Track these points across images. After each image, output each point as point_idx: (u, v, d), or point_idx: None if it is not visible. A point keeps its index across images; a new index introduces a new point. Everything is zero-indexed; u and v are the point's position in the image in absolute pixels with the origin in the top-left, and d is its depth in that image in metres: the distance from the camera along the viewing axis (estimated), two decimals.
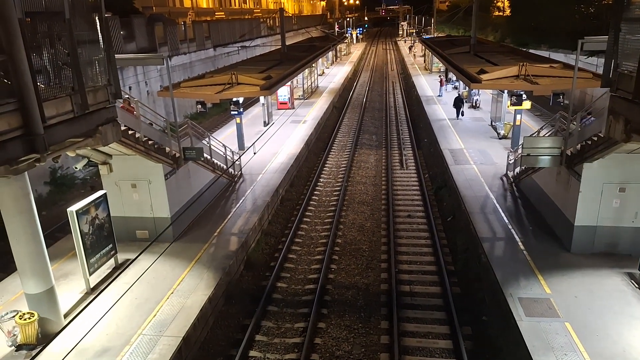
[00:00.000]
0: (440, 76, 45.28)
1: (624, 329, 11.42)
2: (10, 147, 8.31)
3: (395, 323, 13.25)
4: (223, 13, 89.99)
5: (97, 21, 10.31)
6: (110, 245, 14.63)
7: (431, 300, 14.60)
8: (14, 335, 11.26)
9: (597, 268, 13.99)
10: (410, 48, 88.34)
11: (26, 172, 10.46)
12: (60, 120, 9.42)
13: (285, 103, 37.94)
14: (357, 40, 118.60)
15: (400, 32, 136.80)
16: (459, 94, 36.17)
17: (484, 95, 36.65)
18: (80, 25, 9.82)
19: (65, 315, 12.40)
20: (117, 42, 31.29)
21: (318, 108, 38.71)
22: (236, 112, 26.47)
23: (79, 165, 15.20)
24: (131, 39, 35.96)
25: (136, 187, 16.11)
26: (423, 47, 64.49)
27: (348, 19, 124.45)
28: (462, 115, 33.54)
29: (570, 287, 13.14)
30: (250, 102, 39.38)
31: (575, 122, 15.15)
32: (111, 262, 14.85)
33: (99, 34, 10.39)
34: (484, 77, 23.71)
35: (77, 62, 9.65)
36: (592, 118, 15.67)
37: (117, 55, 11.91)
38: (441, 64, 45.22)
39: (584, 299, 12.57)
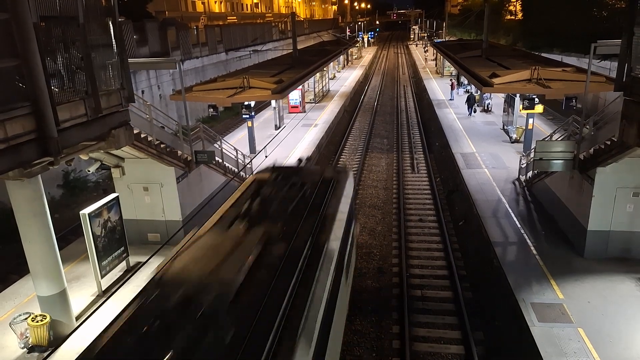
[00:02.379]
0: (451, 80, 45.14)
1: (638, 334, 11.28)
2: (25, 150, 8.38)
3: (406, 327, 13.19)
4: (235, 17, 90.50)
5: (111, 25, 10.40)
6: (122, 248, 14.72)
7: (443, 305, 14.52)
8: (26, 337, 11.35)
9: (610, 273, 13.85)
10: (426, 51, 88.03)
11: (39, 175, 10.57)
12: (74, 124, 9.48)
13: (297, 107, 38.03)
14: (369, 44, 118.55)
15: (412, 36, 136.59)
16: (470, 92, 37.19)
17: (496, 99, 36.53)
18: (94, 30, 9.90)
19: (77, 318, 12.48)
20: (130, 46, 31.53)
21: (329, 112, 38.72)
22: (247, 116, 26.58)
23: (92, 168, 15.33)
24: (144, 43, 36.23)
25: (148, 190, 16.21)
26: (434, 51, 64.38)
27: (359, 23, 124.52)
28: (475, 112, 35.22)
29: (583, 292, 13.01)
30: (261, 106, 39.47)
31: (588, 126, 15.03)
32: (123, 265, 14.93)
33: (113, 38, 10.48)
34: (495, 80, 23.59)
35: (91, 66, 9.73)
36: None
37: (130, 59, 12.01)
38: (452, 68, 45.08)
39: (597, 304, 12.44)
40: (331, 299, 8.31)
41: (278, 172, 11.89)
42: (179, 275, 7.35)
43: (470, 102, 35.11)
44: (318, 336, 6.90)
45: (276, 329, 6.10)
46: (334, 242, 9.17)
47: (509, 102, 28.61)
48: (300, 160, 13.85)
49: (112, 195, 14.40)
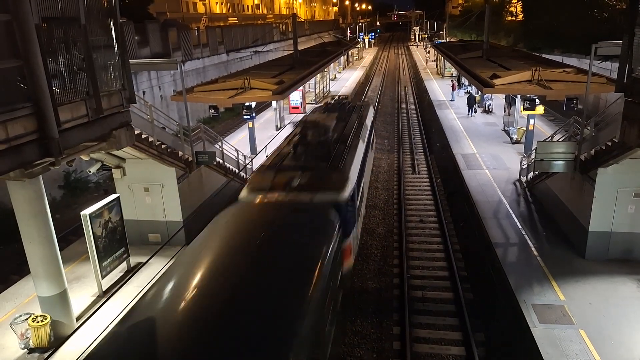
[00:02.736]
0: (452, 81, 45.18)
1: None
2: (26, 151, 8.38)
3: (407, 329, 13.18)
4: (236, 18, 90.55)
5: (112, 26, 10.40)
6: (123, 249, 14.72)
7: (444, 306, 14.50)
8: (27, 337, 11.35)
9: (611, 274, 13.83)
10: (428, 52, 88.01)
11: (40, 176, 10.57)
12: (75, 125, 9.48)
13: (297, 107, 38.04)
14: (369, 45, 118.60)
15: (412, 37, 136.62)
16: (470, 92, 37.43)
17: (497, 100, 36.54)
18: (95, 31, 9.90)
19: (78, 318, 12.49)
20: (132, 47, 31.57)
21: None
22: (248, 117, 26.59)
23: (93, 169, 15.35)
24: (145, 44, 36.28)
25: (149, 191, 16.21)
26: (435, 52, 64.42)
27: (360, 24, 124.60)
28: (475, 112, 35.66)
29: (585, 293, 13.00)
30: (262, 107, 39.49)
31: (589, 127, 15.02)
32: (123, 266, 14.94)
33: (114, 39, 10.48)
34: (496, 81, 23.58)
35: (92, 67, 9.73)
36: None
37: (131, 60, 12.01)
38: (453, 69, 45.10)
39: (599, 306, 12.43)
40: (367, 145, 18.50)
41: (337, 98, 25.06)
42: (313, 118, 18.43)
43: (470, 102, 35.32)
44: (364, 153, 16.56)
45: (351, 139, 16.08)
46: (368, 123, 20.17)
47: (510, 103, 28.62)
48: (346, 96, 25.03)
49: (113, 196, 14.41)
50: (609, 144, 13.11)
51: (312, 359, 7.60)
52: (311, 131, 15.92)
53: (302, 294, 7.93)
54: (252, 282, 7.95)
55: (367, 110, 21.99)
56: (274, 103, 32.15)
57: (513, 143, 27.44)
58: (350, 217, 12.24)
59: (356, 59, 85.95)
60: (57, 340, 11.52)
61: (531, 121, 24.70)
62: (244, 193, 12.41)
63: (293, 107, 37.97)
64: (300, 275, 8.38)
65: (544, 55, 40.45)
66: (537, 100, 23.51)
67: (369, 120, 20.89)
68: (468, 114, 35.48)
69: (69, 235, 19.35)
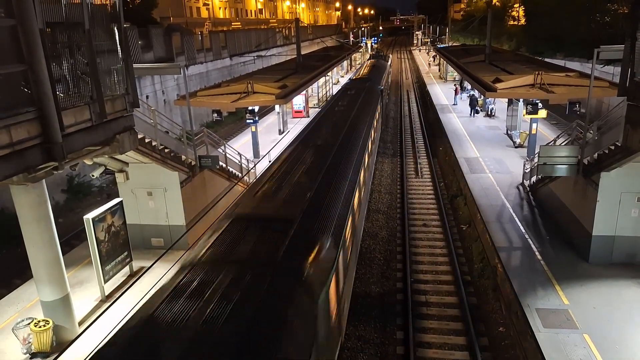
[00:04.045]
0: (455, 85, 45.18)
1: None
2: (29, 155, 8.40)
3: (410, 333, 13.14)
4: (239, 23, 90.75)
5: (116, 31, 10.44)
6: (126, 253, 14.71)
7: (447, 311, 14.46)
8: (29, 342, 11.34)
9: (615, 278, 13.77)
10: (434, 57, 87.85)
11: (44, 180, 10.59)
12: (79, 129, 9.51)
13: (301, 111, 38.06)
14: (372, 50, 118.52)
15: (415, 42, 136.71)
16: (472, 94, 37.73)
17: (499, 104, 36.52)
18: (99, 36, 9.94)
19: (80, 323, 12.47)
20: (135, 51, 31.66)
21: None
22: (251, 121, 26.60)
23: (96, 173, 15.35)
24: (149, 48, 36.41)
25: (152, 195, 16.22)
26: (438, 56, 64.53)
27: (363, 29, 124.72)
28: (478, 113, 36.64)
29: (589, 297, 12.95)
30: (265, 111, 39.54)
31: (592, 131, 15.00)
32: (126, 270, 14.92)
33: (118, 44, 10.51)
34: (499, 85, 23.58)
35: (96, 72, 9.76)
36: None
37: (135, 65, 12.04)
38: (456, 73, 45.11)
39: (603, 310, 12.37)
40: (389, 61, 62.31)
41: (375, 53, 73.25)
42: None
43: (472, 103, 36.09)
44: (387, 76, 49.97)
45: (384, 59, 60.86)
46: (391, 55, 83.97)
47: (512, 107, 28.59)
48: (381, 53, 74.73)
49: (116, 200, 14.41)
50: (612, 147, 13.09)
51: None
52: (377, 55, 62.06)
53: None
54: None
55: (388, 60, 54.99)
56: (277, 107, 32.19)
57: (516, 147, 27.40)
58: (387, 67, 50.76)
59: (359, 63, 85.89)
60: (60, 345, 11.51)
61: (534, 125, 24.65)
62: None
63: (296, 111, 37.99)
64: None
65: (547, 60, 40.44)
66: (539, 104, 23.49)
67: (388, 63, 56.03)
68: (470, 115, 36.03)
69: (71, 239, 19.38)
